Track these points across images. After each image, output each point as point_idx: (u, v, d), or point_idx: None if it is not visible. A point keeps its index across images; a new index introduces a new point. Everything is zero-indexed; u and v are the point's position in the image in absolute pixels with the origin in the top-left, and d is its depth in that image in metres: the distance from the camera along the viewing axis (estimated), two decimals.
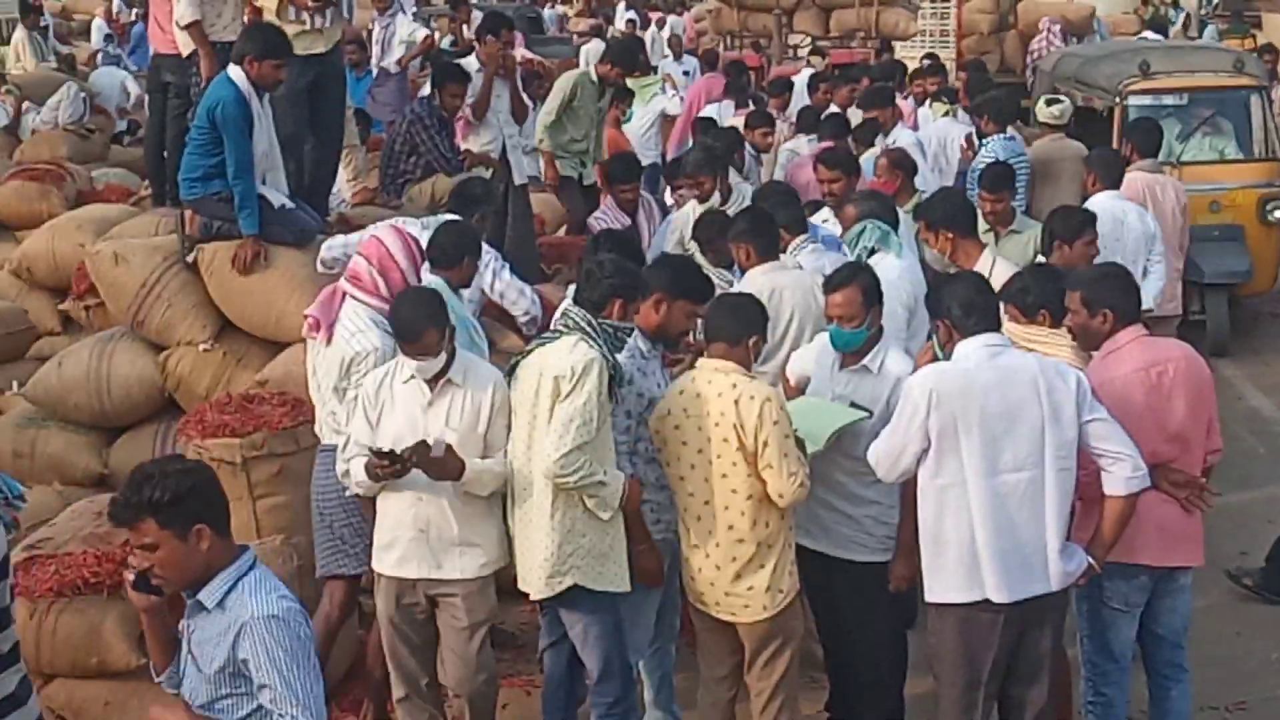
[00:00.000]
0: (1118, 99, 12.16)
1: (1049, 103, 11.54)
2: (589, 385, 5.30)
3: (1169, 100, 12.30)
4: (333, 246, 7.33)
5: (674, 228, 8.54)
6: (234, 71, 7.65)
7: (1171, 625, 5.86)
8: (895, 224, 7.32)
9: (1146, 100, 12.15)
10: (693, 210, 8.46)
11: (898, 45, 20.20)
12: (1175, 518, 5.60)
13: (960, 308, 5.28)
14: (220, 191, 7.69)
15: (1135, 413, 5.40)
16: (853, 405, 5.80)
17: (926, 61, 17.18)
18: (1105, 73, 12.77)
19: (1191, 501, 5.62)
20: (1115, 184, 8.82)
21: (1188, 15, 22.70)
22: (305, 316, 6.30)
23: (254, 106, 7.65)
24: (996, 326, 5.35)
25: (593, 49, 20.61)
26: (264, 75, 7.65)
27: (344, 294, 6.17)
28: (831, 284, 5.93)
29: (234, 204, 7.62)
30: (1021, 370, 5.18)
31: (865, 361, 5.86)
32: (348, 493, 5.76)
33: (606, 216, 8.91)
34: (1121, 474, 5.21)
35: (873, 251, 7.01)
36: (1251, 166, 12.16)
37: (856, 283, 5.85)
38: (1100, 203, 8.44)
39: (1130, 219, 8.59)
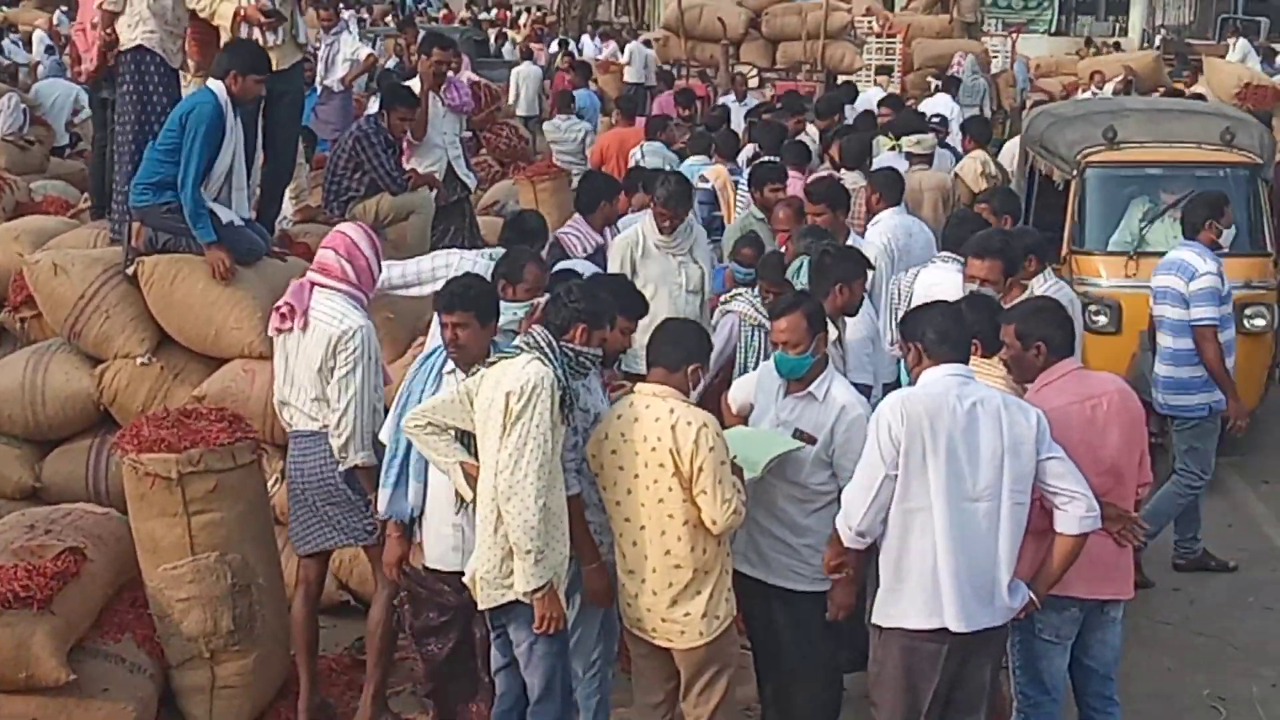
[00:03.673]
0: (1075, 170, 10.44)
1: (914, 134, 11.91)
2: (540, 405, 5.30)
3: (1136, 175, 10.52)
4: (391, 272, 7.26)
5: (619, 249, 8.55)
6: (214, 84, 7.65)
7: (1102, 658, 5.91)
8: None
9: (1108, 174, 10.44)
10: (637, 234, 8.47)
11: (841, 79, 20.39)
12: (1107, 550, 5.65)
13: (935, 334, 5.32)
14: (170, 202, 7.62)
15: (1071, 445, 5.42)
16: (797, 432, 5.82)
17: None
18: (1068, 138, 10.79)
19: (1123, 535, 5.68)
20: (897, 201, 9.24)
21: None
22: (276, 309, 6.43)
23: (228, 120, 7.64)
24: (966, 358, 5.39)
25: (523, 72, 20.70)
26: (246, 90, 7.68)
27: (312, 285, 6.38)
28: (776, 311, 5.97)
29: (184, 215, 7.57)
30: (986, 401, 5.22)
31: (811, 389, 5.88)
32: (342, 467, 6.22)
33: (577, 233, 8.90)
34: (1075, 513, 5.26)
35: None
36: (1236, 263, 9.27)
37: (801, 309, 5.88)
38: (887, 219, 9.00)
39: (915, 230, 9.10)
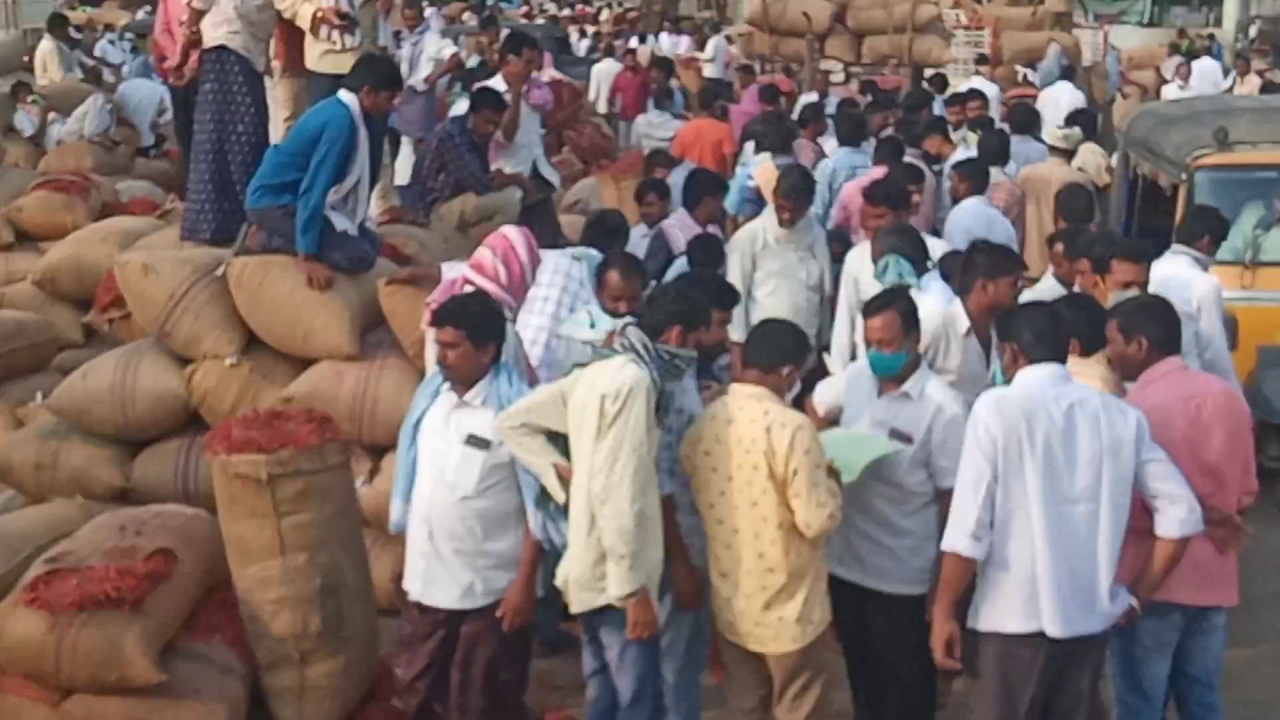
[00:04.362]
0: (1184, 174, 9.68)
1: (1063, 126, 11.75)
2: (635, 408, 5.27)
3: (1249, 178, 9.77)
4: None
5: (740, 243, 8.53)
6: (347, 96, 7.69)
7: (1204, 665, 5.81)
8: (923, 257, 7.30)
9: (1220, 177, 9.64)
10: (759, 228, 8.44)
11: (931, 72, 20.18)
12: (1210, 556, 5.55)
13: (1032, 334, 5.23)
14: (288, 205, 7.65)
15: (1172, 444, 5.34)
16: (893, 432, 5.76)
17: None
18: (1175, 140, 10.06)
19: (1226, 541, 5.57)
20: (981, 189, 9.39)
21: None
22: (427, 304, 6.53)
23: (360, 134, 7.69)
24: (1063, 358, 5.29)
25: (603, 69, 20.70)
26: (378, 105, 7.73)
27: (464, 280, 6.46)
28: (870, 309, 5.90)
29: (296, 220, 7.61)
30: (1084, 403, 5.13)
31: (905, 388, 5.81)
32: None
33: (680, 226, 8.90)
34: (1176, 516, 5.17)
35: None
36: None
37: (895, 307, 5.82)
38: (970, 206, 9.16)
39: (995, 221, 9.04)
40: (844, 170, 11.05)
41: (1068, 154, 11.64)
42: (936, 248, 7.91)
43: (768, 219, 8.38)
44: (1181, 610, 5.60)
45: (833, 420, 6.17)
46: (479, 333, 5.61)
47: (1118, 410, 5.17)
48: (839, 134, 11.86)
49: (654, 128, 15.59)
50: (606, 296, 6.28)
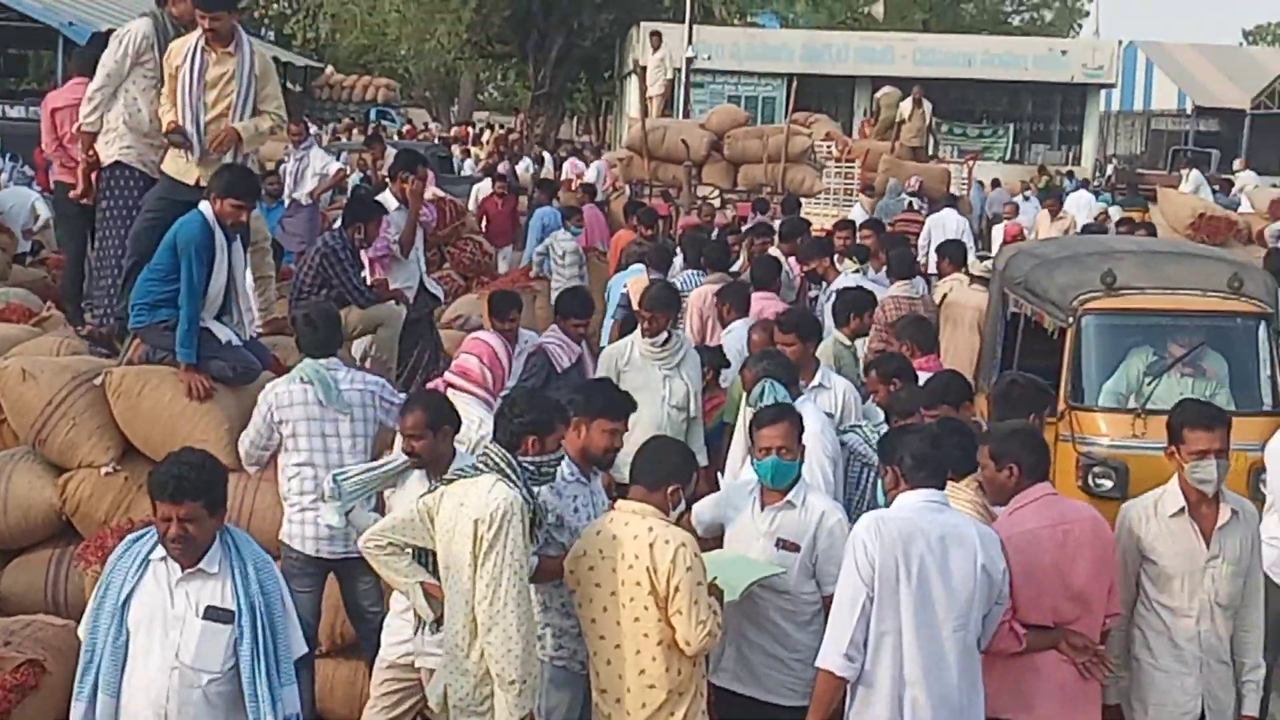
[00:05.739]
0: (1070, 318, 9.21)
1: (981, 258, 11.85)
2: (512, 533, 5.28)
3: (1139, 324, 9.35)
4: None
5: (608, 357, 8.62)
6: (204, 205, 7.76)
7: None
8: (793, 382, 7.41)
9: (1107, 322, 9.24)
10: (627, 343, 8.55)
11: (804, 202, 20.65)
12: (1072, 679, 5.66)
13: (913, 459, 5.36)
14: (166, 320, 7.78)
15: (1041, 568, 5.48)
16: (780, 542, 5.86)
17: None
18: (1060, 282, 9.58)
19: (1088, 668, 5.67)
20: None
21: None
22: None
23: (218, 240, 7.72)
24: (943, 483, 5.42)
25: (485, 188, 20.93)
26: (224, 213, 7.73)
27: (447, 385, 6.88)
28: (764, 420, 6.04)
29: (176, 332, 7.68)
30: (960, 530, 5.27)
31: (789, 497, 5.94)
32: None
33: (559, 342, 8.98)
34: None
35: None
36: (1244, 422, 7.71)
37: (789, 418, 5.98)
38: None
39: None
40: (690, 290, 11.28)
41: (985, 280, 11.92)
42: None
43: (637, 335, 8.48)
44: None
45: (713, 536, 6.25)
46: (215, 500, 4.89)
47: (993, 542, 5.31)
48: (685, 258, 12.11)
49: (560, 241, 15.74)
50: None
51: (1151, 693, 5.95)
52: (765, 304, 10.15)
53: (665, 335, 8.42)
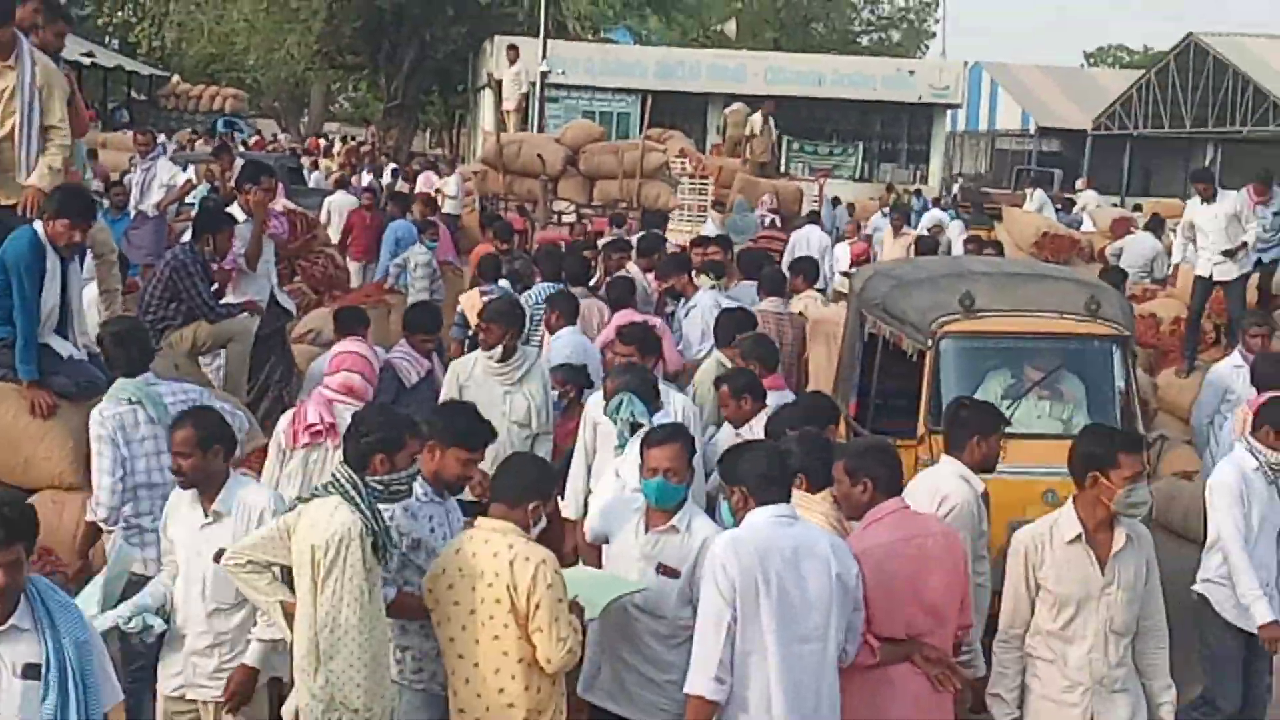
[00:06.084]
0: (929, 340, 9.03)
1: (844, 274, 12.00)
2: (350, 559, 5.22)
3: (998, 347, 9.22)
4: None
5: (451, 373, 8.55)
6: (38, 224, 7.60)
7: None
8: (655, 396, 7.43)
9: (967, 345, 9.10)
10: (471, 359, 8.50)
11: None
12: (926, 690, 5.71)
13: (757, 478, 5.37)
14: (4, 338, 7.61)
15: (895, 582, 5.54)
16: (660, 567, 5.85)
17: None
18: (918, 304, 9.43)
19: (940, 680, 5.73)
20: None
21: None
22: (307, 428, 6.93)
23: (49, 261, 7.55)
24: (788, 497, 5.46)
25: (337, 201, 20.71)
26: (55, 233, 7.56)
27: (328, 402, 6.99)
28: (655, 439, 6.01)
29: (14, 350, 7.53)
30: (815, 544, 5.30)
31: (674, 521, 5.93)
32: None
33: (406, 357, 8.89)
34: (847, 654, 5.40)
35: (635, 425, 7.11)
36: None
37: (681, 440, 5.97)
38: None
39: None
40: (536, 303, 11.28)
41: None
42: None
43: (481, 352, 8.45)
44: None
45: (597, 548, 6.26)
46: (34, 541, 4.59)
47: (844, 551, 5.36)
48: (543, 272, 12.11)
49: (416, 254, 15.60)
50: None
51: None
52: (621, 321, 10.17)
53: (504, 350, 8.32)
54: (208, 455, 5.84)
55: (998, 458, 6.97)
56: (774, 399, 8.08)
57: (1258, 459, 7.21)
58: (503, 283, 12.09)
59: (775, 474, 5.42)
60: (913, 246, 17.97)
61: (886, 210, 24.62)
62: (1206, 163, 42.53)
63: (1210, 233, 13.66)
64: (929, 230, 21.23)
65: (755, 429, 7.29)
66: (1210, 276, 13.54)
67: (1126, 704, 5.94)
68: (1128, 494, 5.79)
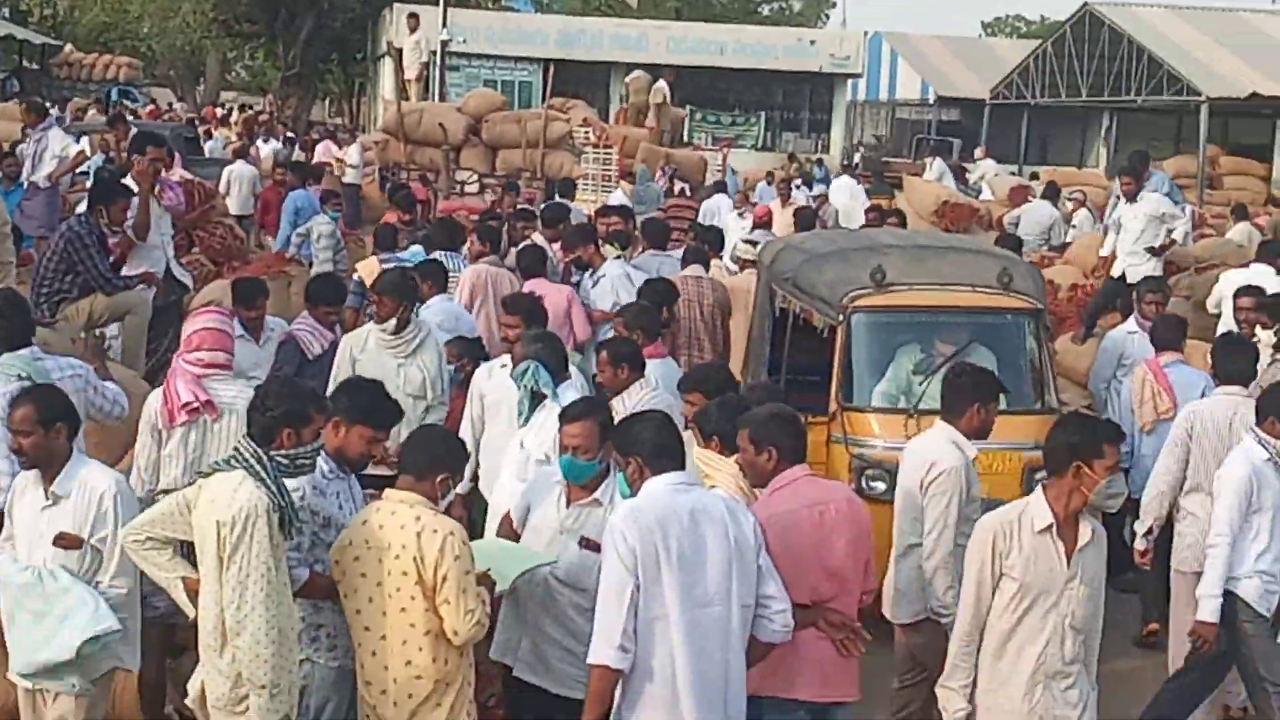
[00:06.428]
0: (840, 315, 8.94)
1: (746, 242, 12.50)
2: (256, 535, 5.17)
3: (910, 321, 9.11)
4: None
5: (344, 346, 8.49)
6: None
7: None
8: (563, 366, 7.41)
9: (878, 320, 9.00)
10: (364, 331, 8.45)
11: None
12: (830, 655, 5.78)
13: (650, 447, 5.39)
14: None
15: (799, 548, 5.58)
16: (582, 540, 5.85)
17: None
18: (828, 278, 9.29)
19: (845, 644, 5.80)
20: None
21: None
22: (185, 404, 6.66)
23: None
24: (683, 465, 5.47)
25: (236, 171, 20.46)
26: None
27: (199, 377, 6.71)
28: (569, 416, 6.01)
29: None
30: (710, 508, 5.31)
31: (596, 495, 5.94)
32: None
33: (310, 329, 8.80)
34: (775, 625, 5.38)
35: (538, 395, 7.09)
36: (1017, 420, 8.11)
37: (594, 416, 5.97)
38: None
39: None
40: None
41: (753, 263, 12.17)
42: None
43: (373, 324, 8.39)
44: (806, 706, 5.78)
45: (521, 525, 6.21)
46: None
47: (741, 513, 5.38)
48: (439, 241, 12.11)
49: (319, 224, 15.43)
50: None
51: (985, 716, 5.77)
52: (535, 291, 10.14)
53: (398, 322, 8.29)
54: (49, 434, 5.65)
55: (991, 427, 6.82)
56: (654, 367, 8.06)
57: (1268, 450, 7.16)
58: (415, 249, 12.04)
59: (668, 443, 5.43)
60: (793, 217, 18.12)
61: (798, 183, 24.69)
62: (1102, 132, 43.35)
63: (1130, 231, 13.68)
64: (814, 200, 21.41)
65: (628, 400, 7.26)
66: (1123, 277, 13.39)
67: (1077, 699, 5.75)
68: (1108, 485, 5.68)
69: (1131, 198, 13.81)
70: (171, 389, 6.74)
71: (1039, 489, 5.79)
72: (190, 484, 6.20)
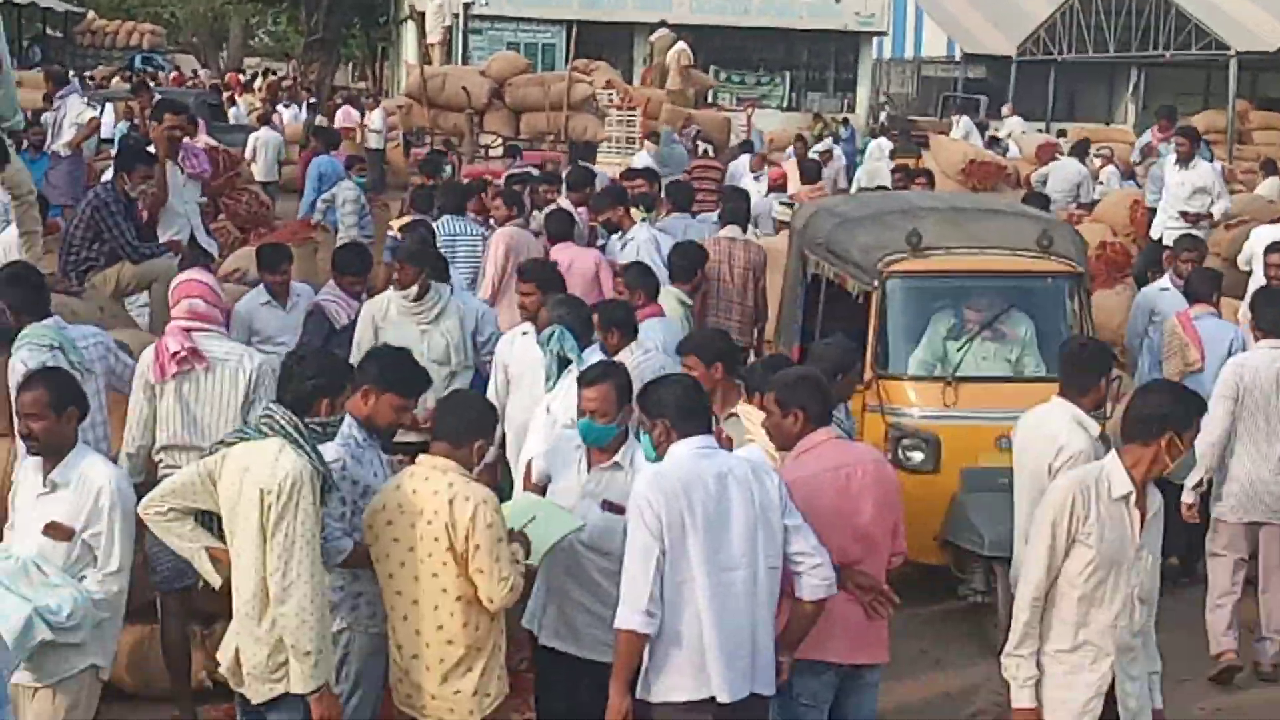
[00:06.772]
0: (875, 281, 8.74)
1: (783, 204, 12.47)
2: (302, 503, 5.18)
3: (947, 286, 8.89)
4: None
5: (366, 313, 8.49)
6: None
7: None
8: (588, 331, 7.37)
9: (914, 285, 8.82)
10: (385, 298, 8.46)
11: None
12: (859, 618, 5.78)
13: (678, 410, 5.38)
14: None
15: (825, 512, 5.57)
16: (605, 504, 5.86)
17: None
18: (862, 242, 9.07)
19: (874, 606, 5.80)
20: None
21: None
22: (173, 355, 6.70)
23: None
24: (710, 429, 5.47)
25: (262, 137, 20.48)
26: None
27: (188, 330, 6.77)
28: (586, 379, 6.00)
29: None
30: (734, 470, 5.31)
31: (617, 458, 5.94)
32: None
33: (336, 299, 8.82)
34: (813, 580, 5.37)
35: (564, 360, 7.08)
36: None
37: (611, 380, 5.95)
38: None
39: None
40: (444, 236, 11.27)
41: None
42: None
43: (395, 291, 8.37)
44: (835, 669, 5.80)
45: (541, 487, 6.24)
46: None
47: (765, 474, 5.38)
48: (447, 206, 12.06)
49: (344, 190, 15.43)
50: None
51: (1051, 687, 5.42)
52: (563, 255, 10.12)
53: (419, 289, 8.28)
54: (62, 419, 5.48)
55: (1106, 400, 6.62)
56: (656, 327, 8.07)
57: None
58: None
59: (696, 405, 5.44)
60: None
61: (834, 144, 24.58)
62: (1130, 88, 42.96)
63: (1176, 198, 13.58)
64: (821, 156, 21.34)
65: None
66: (1160, 240, 13.30)
67: (1140, 671, 5.49)
68: (1186, 456, 5.52)
69: (1185, 161, 13.67)
70: (161, 345, 6.78)
71: (1112, 454, 5.52)
72: (190, 444, 6.31)
